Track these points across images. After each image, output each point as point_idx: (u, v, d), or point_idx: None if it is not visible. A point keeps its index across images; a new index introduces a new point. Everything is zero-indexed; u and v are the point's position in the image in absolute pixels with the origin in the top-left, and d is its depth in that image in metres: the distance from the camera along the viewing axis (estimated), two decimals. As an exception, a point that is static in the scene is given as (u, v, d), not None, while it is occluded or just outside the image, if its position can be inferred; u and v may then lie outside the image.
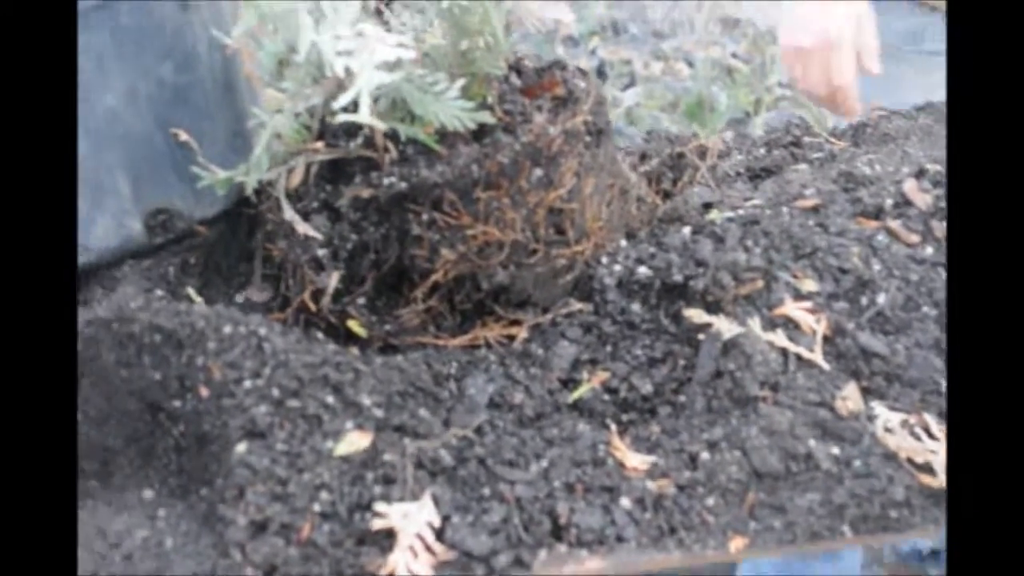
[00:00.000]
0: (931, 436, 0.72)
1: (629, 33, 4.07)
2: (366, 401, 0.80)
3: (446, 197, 0.83)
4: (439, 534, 0.71)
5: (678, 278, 0.83)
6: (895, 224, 0.86)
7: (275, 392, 0.79)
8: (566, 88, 0.90)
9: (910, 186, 0.89)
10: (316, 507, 0.72)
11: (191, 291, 0.94)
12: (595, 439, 0.76)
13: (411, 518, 0.70)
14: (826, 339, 0.78)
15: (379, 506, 0.71)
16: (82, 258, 0.94)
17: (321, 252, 0.88)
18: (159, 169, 0.95)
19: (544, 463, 0.74)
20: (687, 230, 0.89)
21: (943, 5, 1.60)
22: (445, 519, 0.71)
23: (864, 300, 0.81)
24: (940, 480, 0.70)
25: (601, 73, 3.81)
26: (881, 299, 0.80)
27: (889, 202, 0.88)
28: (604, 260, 0.87)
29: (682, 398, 0.79)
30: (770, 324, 0.79)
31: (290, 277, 0.92)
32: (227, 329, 0.82)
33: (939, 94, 1.28)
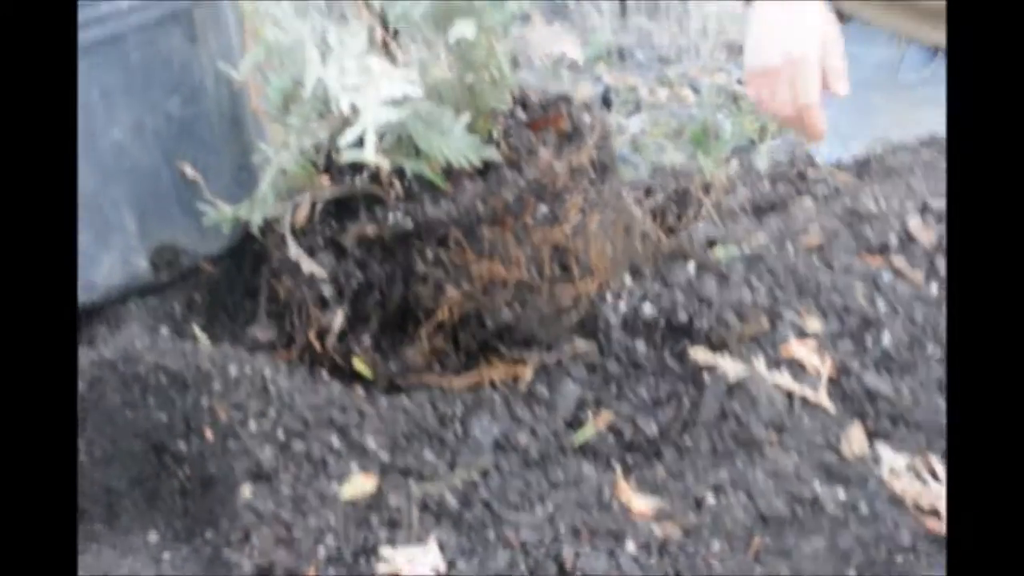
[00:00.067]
0: (937, 479, 0.71)
1: (635, 59, 4.08)
2: (371, 443, 0.80)
3: (451, 234, 0.83)
4: (444, 579, 0.70)
5: (683, 317, 0.83)
6: (900, 261, 0.86)
7: (280, 434, 0.79)
8: (571, 123, 0.90)
9: (914, 223, 0.89)
10: (321, 551, 0.72)
11: (196, 329, 0.94)
12: (600, 481, 0.76)
13: (416, 562, 0.70)
14: (831, 380, 0.78)
15: (384, 551, 0.71)
16: (87, 296, 0.94)
17: (326, 290, 0.88)
18: (165, 205, 0.95)
19: (549, 506, 0.74)
20: (692, 267, 0.88)
21: (921, 35, 1.60)
22: (450, 564, 0.70)
23: (869, 339, 0.80)
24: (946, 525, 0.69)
25: (606, 99, 3.82)
26: (886, 339, 0.80)
27: (893, 239, 0.88)
28: (609, 298, 0.87)
29: (687, 440, 0.78)
30: (775, 364, 0.79)
31: (295, 315, 0.92)
32: (233, 370, 0.82)
33: (914, 125, 1.28)
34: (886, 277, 0.85)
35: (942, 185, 0.96)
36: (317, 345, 0.89)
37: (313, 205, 0.89)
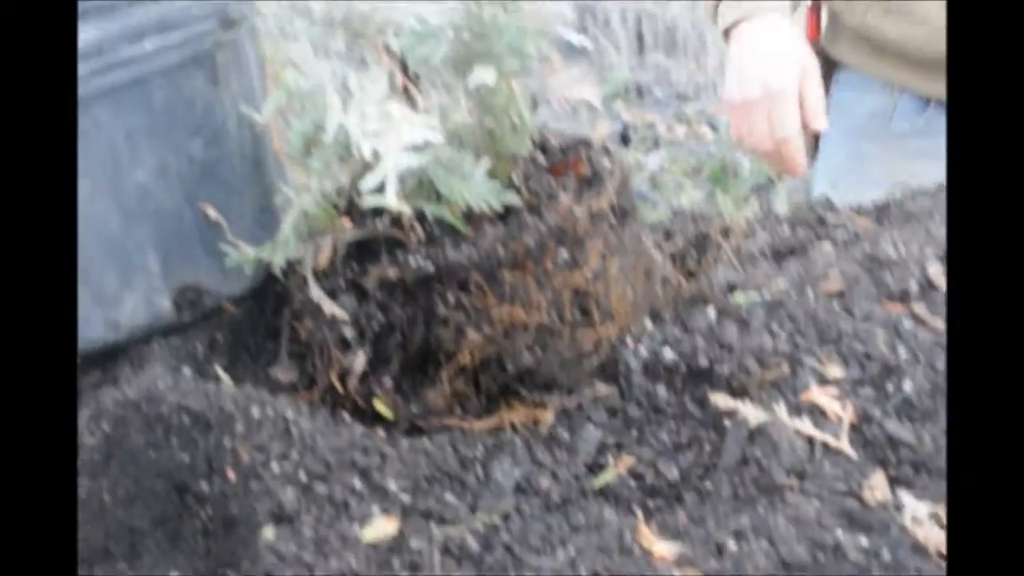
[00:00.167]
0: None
1: (653, 96, 4.13)
2: (393, 486, 0.82)
3: (472, 278, 0.85)
4: (466, 623, 0.72)
5: (703, 362, 0.85)
6: (920, 308, 0.88)
7: (303, 476, 0.81)
8: (591, 167, 0.93)
9: (934, 269, 0.91)
10: (343, 594, 0.73)
11: (219, 369, 0.97)
12: (621, 526, 0.78)
13: (438, 607, 0.72)
14: (852, 426, 0.80)
15: (405, 594, 0.73)
16: (111, 335, 0.97)
17: (348, 332, 0.90)
18: (188, 246, 0.98)
19: (571, 550, 0.75)
20: (712, 312, 0.90)
21: (913, 85, 1.63)
22: (472, 608, 0.72)
23: (890, 387, 0.82)
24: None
25: (625, 137, 3.86)
26: (907, 386, 0.81)
27: (914, 285, 0.90)
28: (629, 342, 0.89)
29: (708, 485, 0.80)
30: (796, 410, 0.81)
31: (317, 356, 0.94)
32: (255, 412, 0.84)
33: (908, 176, 1.30)
34: (907, 324, 0.87)
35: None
36: (339, 386, 0.91)
37: (335, 247, 0.91)
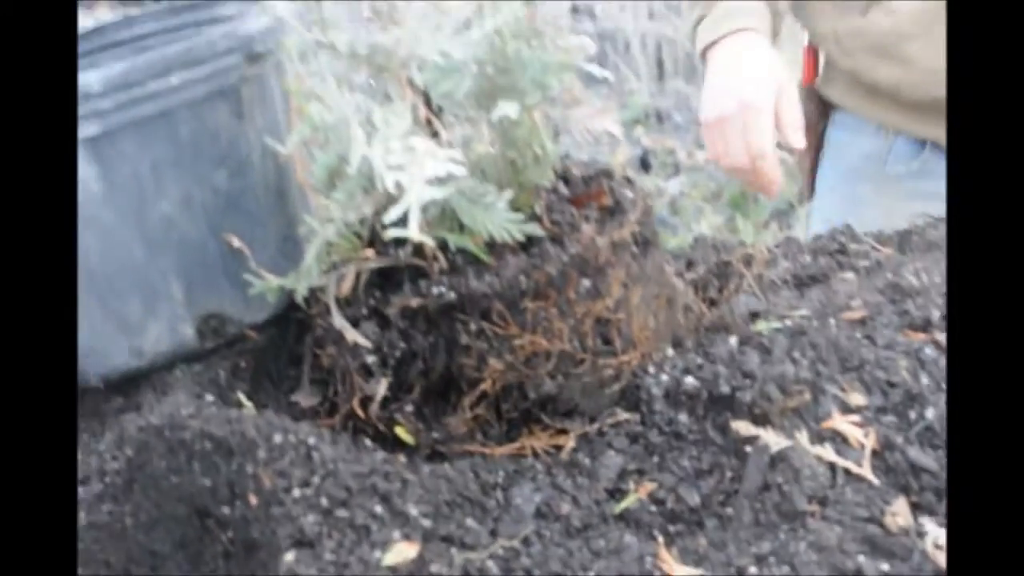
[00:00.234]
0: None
1: (673, 121, 4.17)
2: (414, 511, 0.84)
3: (494, 307, 0.88)
4: (487, 648, 0.74)
5: (725, 390, 0.87)
6: (942, 337, 0.90)
7: (324, 501, 0.83)
8: (613, 198, 0.96)
9: (957, 298, 0.93)
10: (364, 619, 0.76)
11: (241, 396, 0.99)
12: (642, 551, 0.80)
13: (459, 631, 0.74)
14: (875, 453, 0.82)
15: (427, 618, 0.75)
16: (135, 362, 1.00)
17: (370, 359, 0.93)
18: (211, 275, 1.01)
19: (591, 575, 0.77)
20: (734, 340, 0.93)
21: (907, 128, 1.65)
22: (493, 632, 0.74)
23: (913, 414, 0.84)
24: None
25: (645, 162, 3.89)
26: (930, 413, 0.84)
27: (936, 314, 0.92)
28: (651, 370, 0.92)
29: (729, 510, 0.82)
30: (818, 437, 0.83)
31: (339, 383, 0.97)
32: (277, 438, 0.87)
33: (900, 216, 1.31)
34: (929, 352, 0.89)
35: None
36: (360, 413, 0.94)
37: (357, 276, 0.94)
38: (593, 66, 0.91)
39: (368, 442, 0.93)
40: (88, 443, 0.98)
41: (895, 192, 1.53)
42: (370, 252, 0.94)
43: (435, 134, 0.91)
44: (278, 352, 1.07)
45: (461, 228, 0.89)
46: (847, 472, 0.80)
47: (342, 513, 0.83)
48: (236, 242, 1.00)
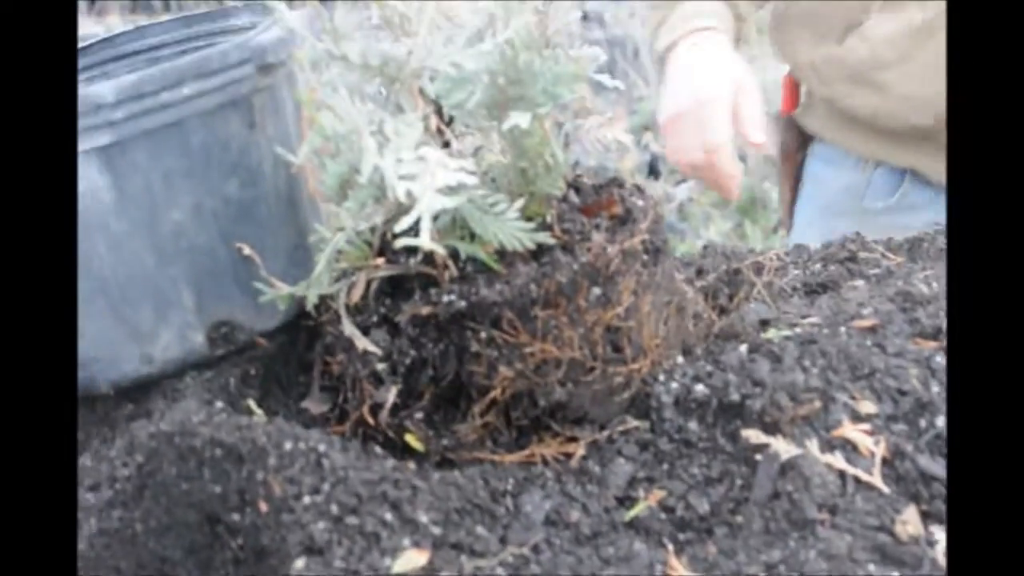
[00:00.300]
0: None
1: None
2: (423, 518, 0.85)
3: (505, 315, 0.89)
4: (497, 655, 0.75)
5: (735, 397, 0.88)
6: (953, 345, 0.90)
7: (334, 508, 0.84)
8: (624, 207, 0.97)
9: (967, 306, 0.94)
10: (374, 626, 0.77)
11: (251, 403, 1.01)
12: (652, 558, 0.81)
13: (469, 637, 0.75)
14: (885, 461, 0.83)
15: (437, 625, 0.76)
16: (146, 369, 1.02)
17: (380, 366, 0.94)
18: (222, 283, 1.02)
19: (601, 583, 0.78)
20: (744, 348, 0.94)
21: (888, 158, 1.67)
22: (503, 640, 0.75)
23: (923, 422, 0.85)
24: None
25: (653, 168, 3.90)
26: (940, 422, 0.84)
27: (947, 323, 0.93)
28: (661, 378, 0.93)
29: (739, 518, 0.83)
30: (828, 445, 0.84)
31: (349, 390, 0.98)
32: (287, 445, 0.88)
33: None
34: (940, 361, 0.90)
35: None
36: (370, 420, 0.95)
37: (368, 284, 0.96)
38: (604, 76, 0.93)
39: (378, 449, 0.94)
40: (99, 450, 1.00)
41: (873, 227, 1.55)
42: (380, 260, 0.95)
43: (446, 144, 0.92)
44: (288, 359, 1.09)
45: (472, 237, 0.90)
46: (857, 480, 0.81)
47: (352, 520, 0.84)
48: (247, 250, 1.01)
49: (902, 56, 1.57)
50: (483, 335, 0.90)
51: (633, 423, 0.92)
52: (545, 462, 0.92)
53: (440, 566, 0.81)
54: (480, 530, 0.85)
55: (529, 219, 0.90)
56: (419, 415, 0.94)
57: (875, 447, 0.83)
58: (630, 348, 0.93)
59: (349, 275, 0.96)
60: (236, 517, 0.88)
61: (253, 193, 1.02)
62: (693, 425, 0.90)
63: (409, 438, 0.94)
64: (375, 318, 0.95)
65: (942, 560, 0.76)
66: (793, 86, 1.84)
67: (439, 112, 0.92)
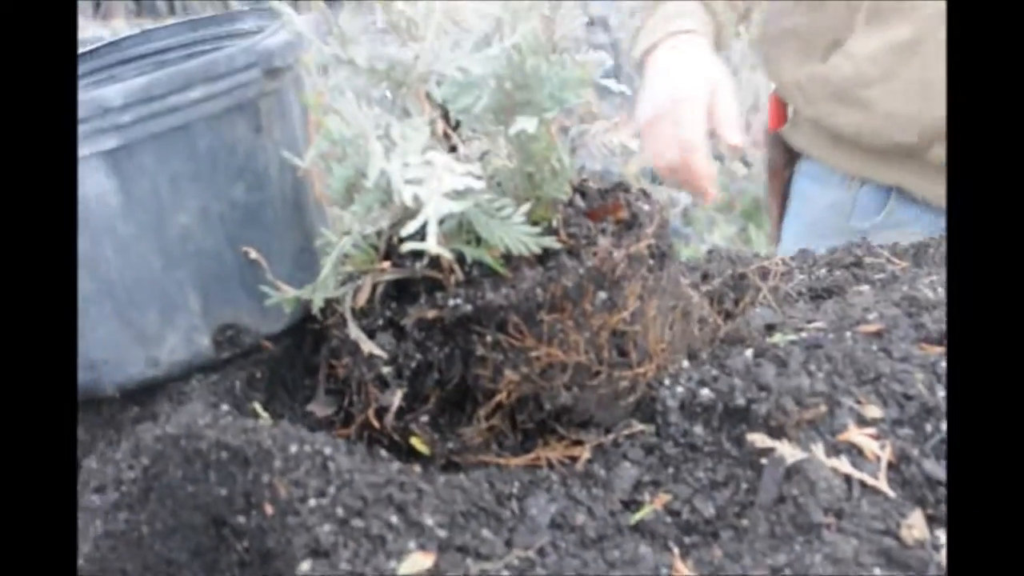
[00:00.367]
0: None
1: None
2: (429, 521, 0.85)
3: (510, 319, 0.90)
4: (502, 658, 0.75)
5: (741, 402, 0.89)
6: (959, 350, 0.91)
7: (339, 511, 0.85)
8: (630, 211, 0.98)
9: (973, 311, 0.94)
10: (380, 628, 0.77)
11: (257, 406, 1.01)
12: (657, 562, 0.81)
13: (475, 640, 0.75)
14: (891, 466, 0.83)
15: (443, 628, 0.76)
16: (151, 372, 1.02)
17: (385, 370, 0.95)
18: (228, 286, 1.03)
19: (607, 586, 0.79)
20: (750, 353, 0.95)
21: (873, 176, 1.67)
22: (508, 642, 0.76)
23: (929, 427, 0.85)
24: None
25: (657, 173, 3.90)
26: (946, 426, 0.85)
27: (947, 326, 0.93)
28: (666, 382, 0.93)
29: (745, 522, 0.84)
30: (834, 450, 0.84)
31: (354, 393, 0.99)
32: (293, 448, 0.88)
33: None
34: (945, 365, 0.90)
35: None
36: (375, 423, 0.96)
37: (374, 288, 0.96)
38: (610, 81, 0.93)
39: (383, 452, 0.94)
40: (104, 452, 1.00)
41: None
42: (386, 264, 0.95)
43: (453, 148, 0.93)
44: (293, 363, 1.09)
45: (478, 241, 0.91)
46: (863, 485, 0.82)
47: (357, 523, 0.85)
48: (253, 254, 1.02)
49: (886, 74, 1.58)
50: (489, 339, 0.91)
51: (639, 427, 0.92)
52: (550, 465, 0.93)
53: (445, 569, 0.81)
54: (485, 533, 0.85)
55: (535, 223, 0.91)
56: (424, 418, 0.95)
57: (881, 451, 0.83)
58: (636, 352, 0.93)
59: (355, 279, 0.97)
60: (242, 520, 0.89)
61: (259, 197, 1.03)
62: (698, 429, 0.91)
63: (414, 441, 0.95)
64: (381, 322, 0.95)
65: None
66: (780, 103, 1.86)
67: (445, 116, 0.93)
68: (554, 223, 0.94)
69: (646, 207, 0.98)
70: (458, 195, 0.78)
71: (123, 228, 0.96)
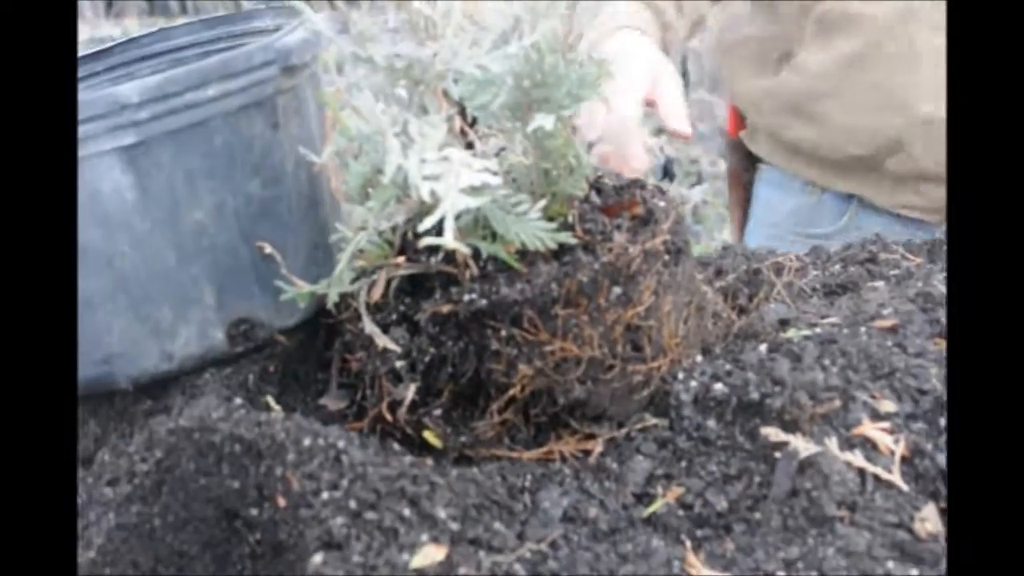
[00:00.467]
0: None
1: (697, 131, 4.19)
2: (442, 514, 0.86)
3: (525, 314, 0.90)
4: (514, 650, 0.76)
5: (755, 396, 0.90)
6: (973, 345, 0.91)
7: (352, 504, 0.86)
8: (645, 208, 0.99)
9: (987, 307, 0.95)
10: (392, 620, 0.78)
11: (270, 399, 1.02)
12: (670, 555, 0.82)
13: (487, 631, 0.76)
14: (904, 459, 0.84)
15: (456, 620, 0.77)
16: (165, 366, 1.03)
17: (399, 364, 0.96)
18: (243, 280, 1.04)
19: (620, 579, 0.79)
20: (763, 347, 0.95)
21: (831, 184, 1.67)
22: (521, 634, 0.76)
23: (942, 421, 0.86)
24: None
25: (668, 171, 3.91)
26: (946, 422, 0.85)
27: (947, 323, 0.94)
28: (680, 376, 0.94)
29: (758, 516, 0.84)
30: (847, 444, 0.85)
31: (367, 387, 1.00)
32: (306, 441, 0.89)
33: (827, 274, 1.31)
34: (959, 360, 0.91)
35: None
36: (388, 416, 0.97)
37: (388, 282, 0.97)
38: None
39: (396, 446, 0.95)
40: (117, 445, 1.01)
41: None
42: (401, 259, 0.96)
43: (470, 145, 0.94)
44: (307, 356, 1.10)
45: (493, 236, 0.92)
46: (876, 478, 0.82)
47: (370, 516, 0.85)
48: (268, 249, 1.03)
49: (835, 88, 1.59)
50: (503, 333, 0.91)
51: (652, 421, 0.93)
52: (563, 459, 0.94)
53: (458, 562, 0.82)
54: (498, 526, 0.86)
55: (551, 219, 0.92)
56: (438, 412, 0.96)
57: (895, 445, 0.84)
58: (650, 347, 0.94)
59: (369, 274, 0.97)
60: (254, 512, 0.90)
61: (275, 192, 1.04)
62: (712, 423, 0.91)
63: (427, 435, 0.96)
64: (395, 316, 0.96)
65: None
66: (737, 110, 1.86)
67: (462, 113, 0.94)
68: (570, 219, 0.95)
69: (662, 203, 0.99)
70: (475, 191, 0.79)
71: (139, 223, 0.97)
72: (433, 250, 0.94)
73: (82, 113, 0.92)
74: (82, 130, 0.92)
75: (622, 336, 0.92)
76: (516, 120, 0.91)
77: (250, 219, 1.02)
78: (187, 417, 0.94)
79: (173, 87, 0.95)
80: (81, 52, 1.19)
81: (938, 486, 0.82)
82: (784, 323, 1.02)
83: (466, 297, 0.92)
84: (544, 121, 0.85)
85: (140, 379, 1.04)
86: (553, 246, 0.90)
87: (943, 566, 0.76)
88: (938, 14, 1.52)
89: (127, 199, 0.96)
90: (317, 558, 0.83)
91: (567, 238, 0.91)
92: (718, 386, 0.92)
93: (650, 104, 1.35)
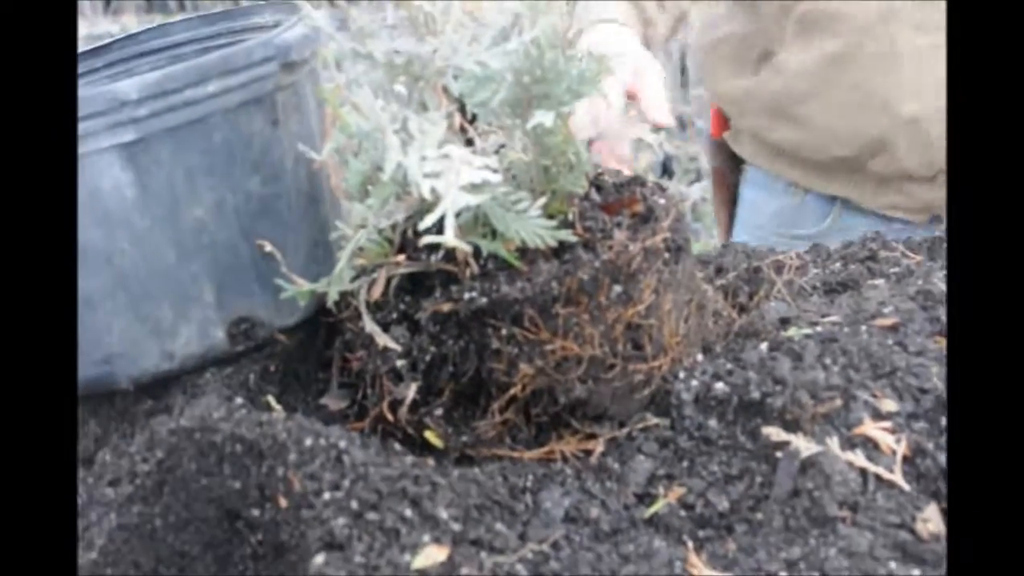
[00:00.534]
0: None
1: (696, 128, 4.19)
2: (443, 514, 0.86)
3: (526, 313, 0.90)
4: (516, 650, 0.76)
5: (756, 395, 0.89)
6: (974, 344, 0.91)
7: (354, 504, 0.85)
8: (646, 205, 0.98)
9: (988, 305, 0.95)
10: (394, 620, 0.78)
11: (271, 399, 1.02)
12: (671, 555, 0.82)
13: (490, 632, 0.76)
14: (906, 459, 0.84)
15: (458, 620, 0.77)
16: (166, 365, 1.03)
17: (400, 363, 0.96)
18: (243, 279, 1.04)
19: (621, 579, 0.79)
20: (764, 346, 0.95)
21: (814, 186, 1.67)
22: (523, 635, 0.76)
23: (944, 420, 0.86)
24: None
25: (667, 168, 3.91)
26: (947, 422, 0.85)
27: (947, 322, 0.93)
28: (681, 375, 0.94)
29: (759, 516, 0.84)
30: (849, 443, 0.85)
31: (368, 386, 0.99)
32: (308, 441, 0.89)
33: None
34: (960, 359, 0.91)
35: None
36: (389, 416, 0.96)
37: (388, 281, 0.97)
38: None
39: (397, 446, 0.95)
40: (118, 445, 1.01)
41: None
42: (401, 257, 0.96)
43: (469, 142, 0.94)
44: (307, 356, 1.10)
45: (494, 234, 0.91)
46: (878, 478, 0.82)
47: (372, 516, 0.85)
48: (268, 247, 1.02)
49: (816, 89, 1.58)
50: (504, 332, 0.91)
51: (653, 420, 0.93)
52: (565, 459, 0.93)
53: (460, 562, 0.82)
54: (500, 526, 0.86)
55: (551, 217, 0.92)
56: (439, 411, 0.96)
57: (896, 445, 0.84)
58: (651, 346, 0.94)
59: (369, 272, 0.97)
60: (256, 512, 0.89)
61: (275, 190, 1.04)
62: (713, 423, 0.91)
63: (429, 434, 0.96)
64: (395, 315, 0.96)
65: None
66: (721, 111, 1.85)
67: (462, 110, 0.93)
68: (570, 216, 0.94)
69: (662, 201, 0.98)
70: (475, 188, 0.79)
71: (138, 221, 0.97)
72: (433, 248, 0.94)
73: (81, 110, 0.91)
74: (81, 127, 0.92)
75: (623, 335, 0.92)
76: (516, 117, 0.91)
77: (250, 216, 1.02)
78: (188, 417, 0.94)
79: (172, 84, 0.95)
80: (80, 49, 1.18)
81: (940, 486, 0.82)
82: (785, 322, 1.01)
83: (466, 295, 0.91)
84: (544, 118, 0.85)
85: (141, 379, 1.03)
86: (553, 244, 0.90)
87: (945, 566, 0.75)
88: (919, 13, 1.51)
89: (127, 196, 0.96)
90: (319, 559, 0.83)
91: (567, 236, 0.91)
92: (719, 385, 0.92)
93: (631, 97, 1.34)
